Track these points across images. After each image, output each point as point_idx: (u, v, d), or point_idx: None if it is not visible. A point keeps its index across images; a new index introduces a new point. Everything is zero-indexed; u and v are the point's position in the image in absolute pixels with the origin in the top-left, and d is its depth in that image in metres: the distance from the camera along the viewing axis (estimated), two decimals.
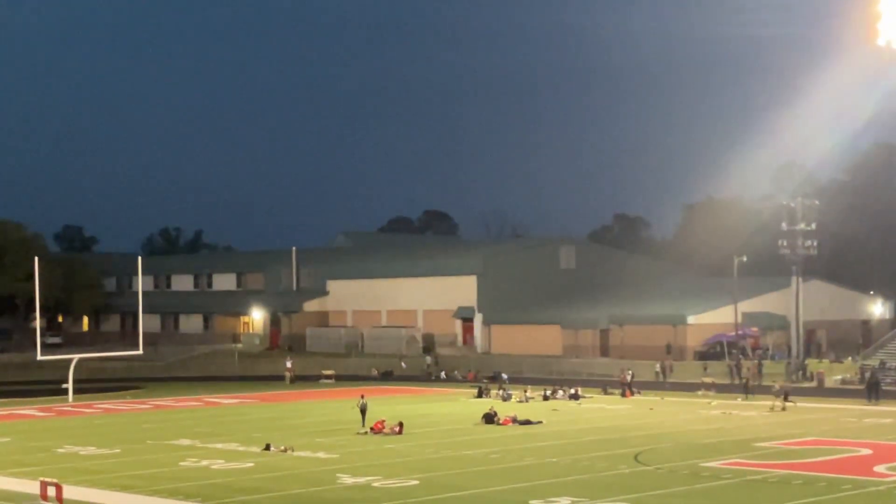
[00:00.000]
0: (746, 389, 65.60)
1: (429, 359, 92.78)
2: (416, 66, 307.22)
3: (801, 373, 75.83)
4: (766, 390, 64.30)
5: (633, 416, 55.89)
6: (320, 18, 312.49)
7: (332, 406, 63.39)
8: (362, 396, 53.13)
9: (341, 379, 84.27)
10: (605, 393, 69.12)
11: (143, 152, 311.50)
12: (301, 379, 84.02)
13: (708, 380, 71.16)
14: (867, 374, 68.19)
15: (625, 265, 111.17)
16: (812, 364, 78.64)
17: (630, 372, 70.97)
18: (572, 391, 66.29)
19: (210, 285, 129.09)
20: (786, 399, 59.20)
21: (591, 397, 66.87)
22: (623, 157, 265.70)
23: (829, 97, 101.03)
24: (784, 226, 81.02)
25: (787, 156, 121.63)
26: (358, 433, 49.00)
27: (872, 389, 63.20)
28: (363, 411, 51.41)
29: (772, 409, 58.18)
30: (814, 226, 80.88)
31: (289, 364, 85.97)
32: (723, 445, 43.68)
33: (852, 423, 51.61)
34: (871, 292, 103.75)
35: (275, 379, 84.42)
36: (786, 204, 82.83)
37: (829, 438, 45.86)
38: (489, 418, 52.78)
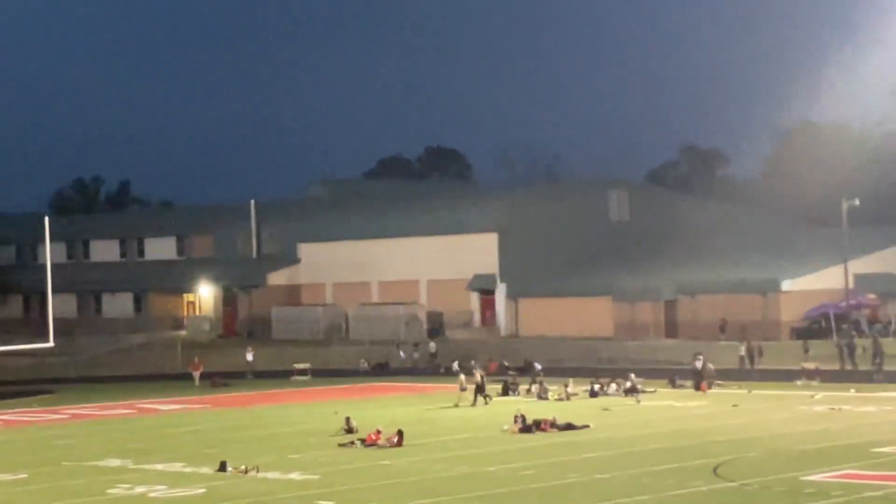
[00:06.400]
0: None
1: (432, 346, 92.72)
2: None
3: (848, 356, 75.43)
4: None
5: (710, 417, 56.08)
6: None
7: (309, 410, 63.59)
8: (348, 419, 53.01)
9: (319, 375, 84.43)
10: (673, 386, 69.53)
11: (49, 84, 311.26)
12: (266, 375, 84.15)
13: (810, 365, 71.25)
14: None
15: (696, 215, 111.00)
16: None
17: (701, 357, 71.04)
18: (628, 384, 66.45)
19: (142, 254, 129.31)
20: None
21: (655, 391, 67.17)
22: (690, 72, 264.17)
23: None
24: None
25: None
26: (341, 445, 49.18)
27: None
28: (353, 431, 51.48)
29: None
30: None
31: (249, 357, 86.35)
32: (831, 452, 43.82)
33: None
34: None
35: (233, 376, 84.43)
36: None
37: None
38: (521, 423, 52.92)
